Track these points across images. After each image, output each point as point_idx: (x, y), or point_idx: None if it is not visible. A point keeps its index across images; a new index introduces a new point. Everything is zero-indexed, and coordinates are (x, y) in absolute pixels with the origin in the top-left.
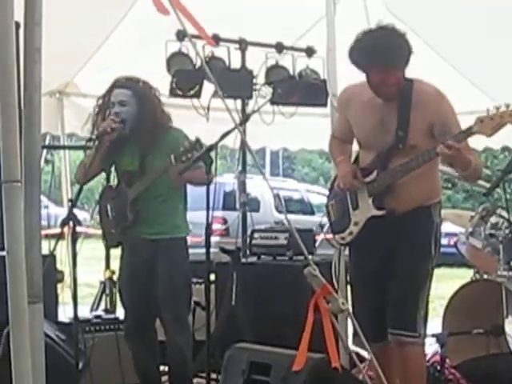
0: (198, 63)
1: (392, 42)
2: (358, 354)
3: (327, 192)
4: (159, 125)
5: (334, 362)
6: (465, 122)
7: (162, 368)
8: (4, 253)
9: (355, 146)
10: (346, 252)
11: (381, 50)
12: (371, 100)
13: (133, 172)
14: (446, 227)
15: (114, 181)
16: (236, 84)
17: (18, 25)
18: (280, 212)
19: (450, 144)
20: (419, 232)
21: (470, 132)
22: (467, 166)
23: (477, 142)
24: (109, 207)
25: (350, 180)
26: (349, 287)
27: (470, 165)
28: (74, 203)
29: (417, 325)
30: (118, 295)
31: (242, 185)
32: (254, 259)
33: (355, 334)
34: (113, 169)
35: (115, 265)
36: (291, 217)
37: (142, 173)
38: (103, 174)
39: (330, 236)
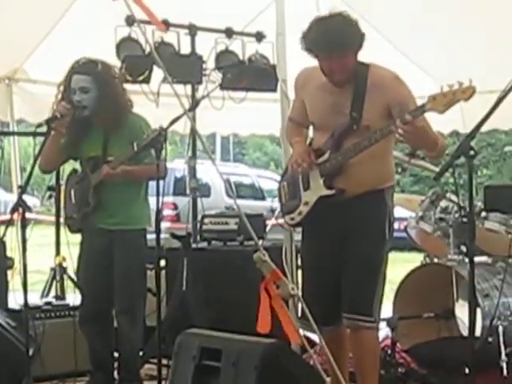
0: (148, 49)
1: (339, 30)
2: (308, 339)
3: (278, 177)
4: (121, 109)
5: (294, 338)
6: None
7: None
8: None
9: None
10: (297, 237)
11: (327, 38)
12: (326, 82)
13: (96, 158)
14: (396, 212)
15: (63, 167)
16: (186, 69)
17: None
18: (230, 197)
19: (407, 119)
20: (372, 216)
21: (423, 109)
22: (433, 144)
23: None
24: (72, 192)
25: (303, 159)
26: (299, 271)
27: (436, 143)
28: (23, 189)
29: (373, 310)
30: (68, 281)
31: (193, 170)
32: (204, 245)
33: (302, 317)
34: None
35: (65, 251)
36: (242, 202)
37: (105, 158)
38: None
39: (281, 221)
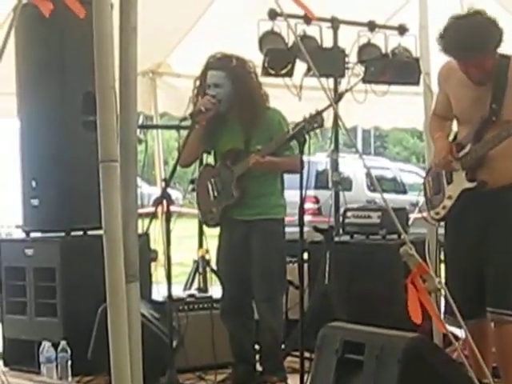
0: (290, 42)
1: (476, 33)
2: (451, 333)
3: (420, 171)
4: (256, 104)
5: (441, 328)
6: None
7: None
8: (102, 232)
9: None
10: (440, 230)
11: (462, 44)
12: None
13: (238, 150)
14: None
15: (207, 160)
16: (328, 63)
17: (111, 5)
18: (372, 191)
19: None
20: None
21: None
22: None
23: None
24: (210, 186)
25: (444, 156)
26: (442, 265)
27: None
28: (167, 182)
29: None
30: (211, 274)
31: (335, 163)
32: (346, 238)
33: (447, 312)
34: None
35: (208, 244)
36: (384, 196)
37: (248, 151)
38: None
39: (424, 214)
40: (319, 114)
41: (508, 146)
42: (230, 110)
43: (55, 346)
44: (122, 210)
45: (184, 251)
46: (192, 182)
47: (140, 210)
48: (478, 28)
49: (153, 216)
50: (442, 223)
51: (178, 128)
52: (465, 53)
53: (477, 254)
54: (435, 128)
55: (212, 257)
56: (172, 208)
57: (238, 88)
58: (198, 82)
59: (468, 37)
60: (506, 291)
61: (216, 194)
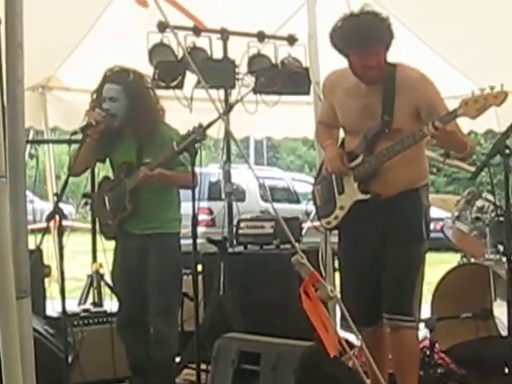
0: (180, 54)
1: (371, 24)
2: (346, 341)
3: (312, 180)
4: (152, 119)
5: (331, 350)
6: (449, 106)
7: None
8: None
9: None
10: (333, 239)
11: (359, 33)
12: (355, 85)
13: (131, 163)
14: (432, 212)
15: (99, 174)
16: (218, 74)
17: None
18: (265, 201)
19: (437, 125)
20: (409, 215)
21: (455, 114)
22: (463, 148)
23: (462, 126)
24: (106, 199)
25: (336, 164)
26: (337, 273)
27: (465, 147)
28: (59, 197)
29: (413, 309)
30: (105, 288)
31: (227, 175)
32: (240, 249)
33: (343, 318)
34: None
35: (102, 258)
36: (277, 205)
37: (140, 165)
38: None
39: (316, 223)
40: (205, 126)
41: (398, 158)
42: (125, 124)
43: None
44: (11, 225)
45: (78, 266)
46: (84, 195)
47: (33, 226)
48: (373, 19)
49: (45, 231)
50: (334, 231)
51: (68, 142)
52: (365, 39)
53: (373, 262)
54: (323, 136)
55: (106, 271)
56: (64, 223)
57: (134, 103)
58: (94, 95)
59: (366, 25)
60: (401, 297)
61: (111, 206)
